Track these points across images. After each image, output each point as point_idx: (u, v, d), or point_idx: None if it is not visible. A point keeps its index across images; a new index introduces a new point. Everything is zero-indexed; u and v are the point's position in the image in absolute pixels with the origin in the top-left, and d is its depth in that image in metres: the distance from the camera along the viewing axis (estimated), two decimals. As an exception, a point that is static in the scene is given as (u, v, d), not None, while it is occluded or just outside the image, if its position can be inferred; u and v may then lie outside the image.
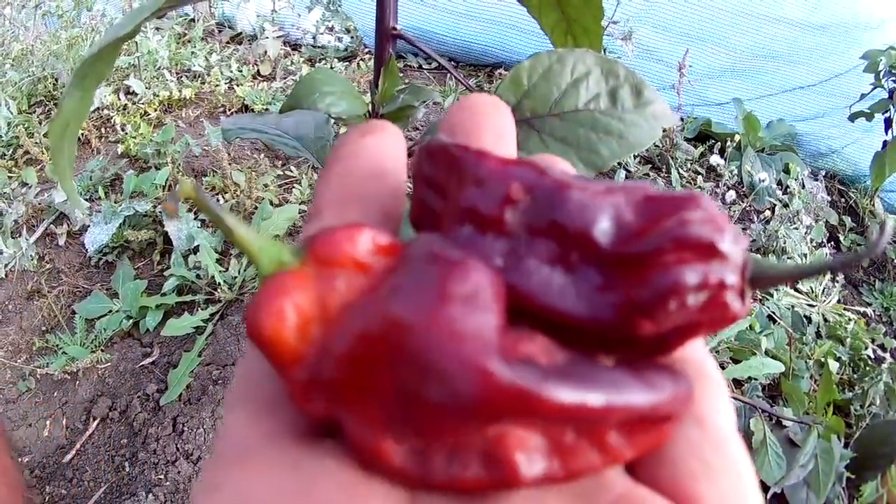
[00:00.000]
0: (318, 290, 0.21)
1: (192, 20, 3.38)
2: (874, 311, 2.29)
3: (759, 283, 0.23)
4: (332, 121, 0.77)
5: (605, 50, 0.72)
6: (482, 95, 0.30)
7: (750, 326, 1.75)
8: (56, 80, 2.73)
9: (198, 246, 1.92)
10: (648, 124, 0.60)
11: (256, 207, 2.11)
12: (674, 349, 0.23)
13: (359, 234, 0.22)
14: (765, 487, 1.44)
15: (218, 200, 2.16)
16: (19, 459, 1.58)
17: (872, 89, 2.60)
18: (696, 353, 0.26)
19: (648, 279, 0.21)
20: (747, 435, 1.51)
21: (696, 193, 0.23)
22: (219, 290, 1.85)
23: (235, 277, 1.89)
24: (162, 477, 1.49)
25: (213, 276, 1.86)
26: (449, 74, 3.06)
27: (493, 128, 0.29)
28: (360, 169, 0.27)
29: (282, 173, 2.35)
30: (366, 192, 0.27)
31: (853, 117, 2.68)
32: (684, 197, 0.23)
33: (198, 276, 1.89)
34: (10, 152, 2.43)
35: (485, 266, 0.21)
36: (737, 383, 1.70)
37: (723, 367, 1.65)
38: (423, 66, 3.20)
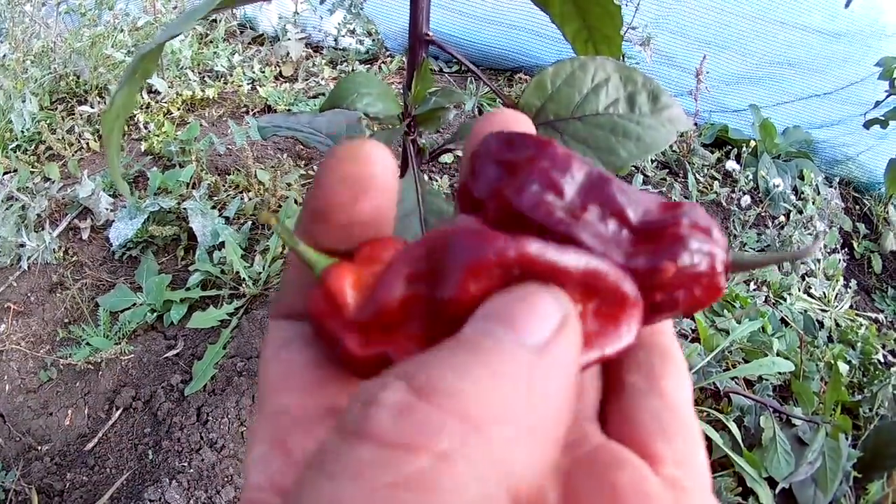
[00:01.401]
0: (363, 272, 0.28)
1: (214, 21, 3.41)
2: (886, 317, 2.30)
3: (736, 268, 0.30)
4: (364, 121, 0.81)
5: (623, 56, 0.75)
6: (506, 111, 0.33)
7: (762, 328, 1.77)
8: (78, 77, 2.77)
9: (222, 242, 1.95)
10: (665, 128, 0.63)
11: (280, 205, 2.15)
12: (676, 307, 0.29)
13: (390, 243, 0.29)
14: (773, 484, 1.47)
15: (242, 198, 2.20)
16: (38, 448, 1.61)
17: (887, 96, 2.60)
18: (663, 338, 0.31)
19: (669, 238, 0.28)
20: (757, 432, 1.54)
21: (694, 203, 0.30)
22: (243, 286, 1.89)
23: (260, 273, 1.92)
24: (186, 464, 1.49)
25: (237, 272, 1.89)
26: (469, 78, 3.09)
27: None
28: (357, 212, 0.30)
29: (305, 173, 2.38)
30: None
31: (868, 125, 2.69)
32: (687, 203, 0.29)
33: (222, 272, 1.92)
34: (33, 147, 2.47)
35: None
36: (748, 383, 1.72)
37: (734, 367, 1.67)
38: (444, 70, 3.23)
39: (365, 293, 0.28)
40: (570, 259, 0.26)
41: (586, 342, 0.26)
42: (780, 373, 1.69)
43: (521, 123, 0.33)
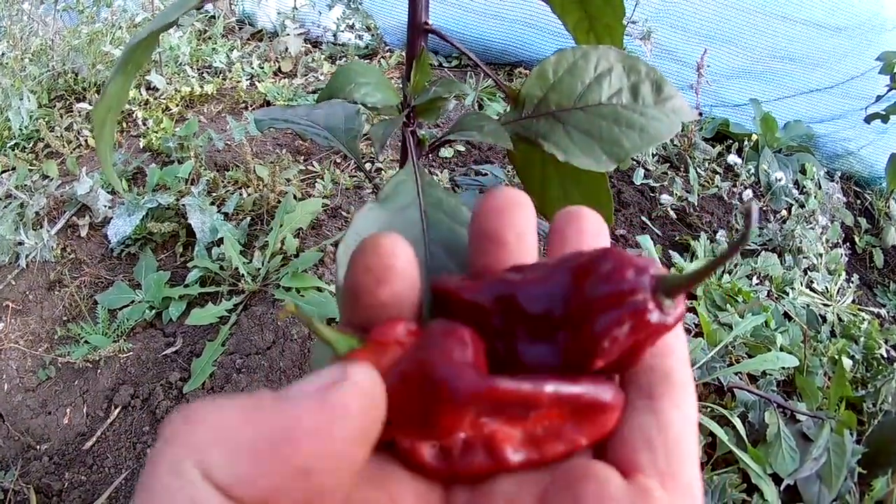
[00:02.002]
0: (376, 358, 0.32)
1: (213, 17, 3.41)
2: (888, 311, 2.30)
3: (674, 293, 0.30)
4: (362, 113, 0.80)
5: (624, 48, 0.74)
6: (507, 192, 0.36)
7: (765, 323, 1.76)
8: (76, 74, 2.76)
9: (221, 238, 1.94)
10: (668, 118, 0.62)
11: (279, 201, 2.14)
12: (634, 365, 0.32)
13: (398, 325, 0.33)
14: (777, 480, 1.46)
15: (241, 194, 2.19)
16: (37, 447, 1.60)
17: (888, 91, 2.60)
18: (667, 360, 0.33)
19: (587, 331, 0.30)
20: (761, 427, 1.53)
21: (608, 250, 0.31)
22: (242, 282, 1.88)
23: (259, 269, 1.91)
24: None
25: (236, 268, 1.88)
26: (469, 73, 3.09)
27: (514, 227, 0.35)
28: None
29: (304, 168, 2.37)
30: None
31: (869, 119, 2.69)
32: (599, 257, 0.31)
33: (221, 268, 1.91)
34: (31, 145, 2.46)
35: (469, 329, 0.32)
36: (752, 379, 1.71)
37: (738, 362, 1.66)
38: (444, 65, 3.22)
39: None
40: (543, 388, 0.29)
41: (563, 436, 0.31)
42: (783, 368, 1.68)
43: (518, 208, 0.36)
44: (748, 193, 2.38)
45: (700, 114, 2.86)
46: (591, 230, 0.36)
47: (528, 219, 0.36)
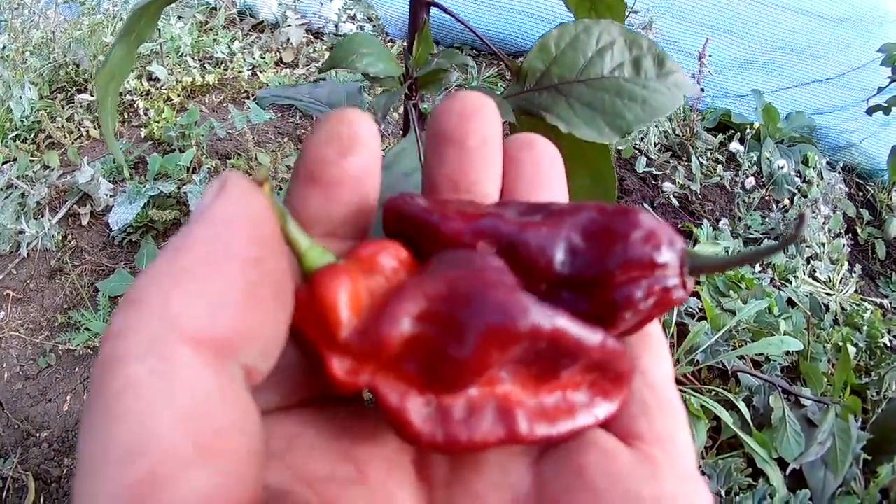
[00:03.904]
0: (361, 284, 0.26)
1: (214, 8, 3.40)
2: (890, 302, 2.30)
3: (698, 272, 0.27)
4: (364, 91, 0.80)
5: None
6: (469, 94, 0.32)
7: (769, 309, 1.76)
8: (78, 66, 2.76)
9: (223, 226, 1.94)
10: (671, 92, 0.62)
11: (281, 188, 2.14)
12: (635, 332, 0.29)
13: (389, 246, 0.27)
14: (783, 465, 1.45)
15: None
16: (37, 434, 1.60)
17: (890, 83, 2.59)
18: None
19: (606, 297, 0.26)
20: (766, 412, 1.53)
21: (634, 211, 0.27)
22: (244, 269, 1.87)
23: (260, 255, 1.91)
24: None
25: (238, 255, 1.87)
26: (471, 63, 3.08)
27: (478, 131, 0.31)
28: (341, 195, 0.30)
29: (305, 156, 2.37)
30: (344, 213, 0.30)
31: (871, 111, 2.68)
32: (625, 218, 0.27)
33: (223, 255, 1.90)
34: (32, 136, 2.46)
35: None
36: (756, 365, 1.71)
37: (742, 347, 1.66)
38: (444, 54, 3.22)
39: (363, 317, 0.25)
40: (594, 338, 0.26)
41: (577, 410, 0.27)
42: (787, 353, 1.68)
43: (481, 110, 0.31)
44: (751, 181, 2.38)
45: (699, 109, 2.86)
46: (545, 160, 0.33)
47: (493, 123, 0.32)
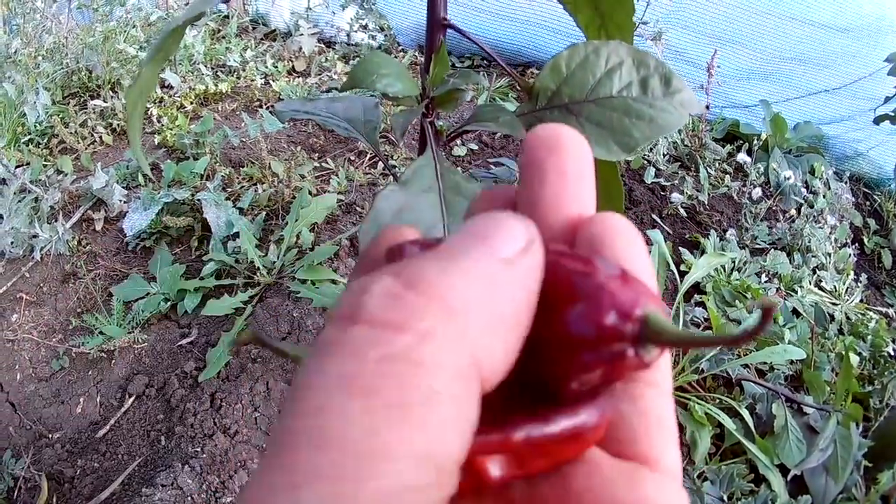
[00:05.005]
0: None
1: (226, 17, 3.44)
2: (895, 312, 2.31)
3: (659, 342, 0.25)
4: (380, 105, 0.83)
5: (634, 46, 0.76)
6: (560, 127, 0.29)
7: (774, 319, 1.78)
8: (90, 72, 2.79)
9: (236, 232, 1.97)
10: (677, 111, 0.64)
11: (294, 197, 2.16)
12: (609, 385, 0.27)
13: None
14: (785, 471, 1.47)
15: (256, 189, 2.22)
16: (49, 435, 1.62)
17: (896, 93, 2.61)
18: None
19: (558, 364, 0.25)
20: (769, 419, 1.55)
21: (594, 269, 0.26)
22: (257, 274, 1.90)
23: (274, 262, 1.93)
24: (199, 449, 1.50)
25: (251, 261, 1.90)
26: (482, 73, 3.10)
27: (574, 166, 0.29)
28: None
29: (318, 165, 2.39)
30: None
31: (878, 120, 2.69)
32: (583, 276, 0.25)
33: (236, 261, 1.94)
34: (45, 141, 2.49)
35: None
36: (759, 373, 1.73)
37: (746, 355, 1.68)
38: (457, 65, 3.24)
39: None
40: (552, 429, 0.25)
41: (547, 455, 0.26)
42: (791, 363, 1.70)
43: (574, 144, 0.29)
44: (757, 192, 2.40)
45: (707, 120, 2.87)
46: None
47: (586, 157, 0.29)
